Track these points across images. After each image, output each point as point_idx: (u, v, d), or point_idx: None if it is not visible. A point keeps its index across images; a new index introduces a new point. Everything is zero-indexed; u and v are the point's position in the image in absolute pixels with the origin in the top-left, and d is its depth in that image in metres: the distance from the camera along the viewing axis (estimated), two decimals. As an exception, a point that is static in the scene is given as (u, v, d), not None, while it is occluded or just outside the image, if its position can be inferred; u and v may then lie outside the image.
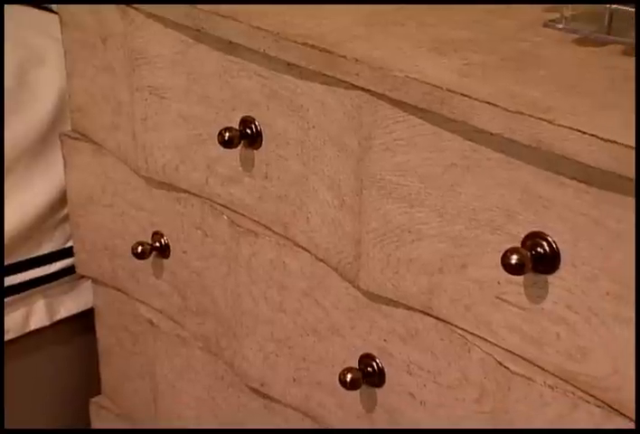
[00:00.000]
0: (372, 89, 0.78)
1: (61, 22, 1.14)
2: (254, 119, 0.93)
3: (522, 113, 0.68)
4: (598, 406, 0.71)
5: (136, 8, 1.00)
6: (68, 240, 1.32)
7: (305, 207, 0.91)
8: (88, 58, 1.11)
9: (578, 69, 0.76)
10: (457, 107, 0.72)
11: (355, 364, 0.91)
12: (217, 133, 0.92)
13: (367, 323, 0.90)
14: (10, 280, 1.28)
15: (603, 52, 0.79)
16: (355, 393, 0.93)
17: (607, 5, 0.80)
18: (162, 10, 0.97)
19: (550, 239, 0.71)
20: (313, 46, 0.81)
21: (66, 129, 1.22)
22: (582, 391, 0.72)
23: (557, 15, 0.83)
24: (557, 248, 0.71)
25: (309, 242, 0.92)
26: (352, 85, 0.80)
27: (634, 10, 0.79)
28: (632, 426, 0.69)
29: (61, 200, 1.29)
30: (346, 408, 0.95)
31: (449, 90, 0.72)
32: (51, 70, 1.29)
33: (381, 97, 0.78)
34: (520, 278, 0.74)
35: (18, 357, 1.34)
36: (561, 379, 0.74)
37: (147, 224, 1.14)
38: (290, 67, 0.86)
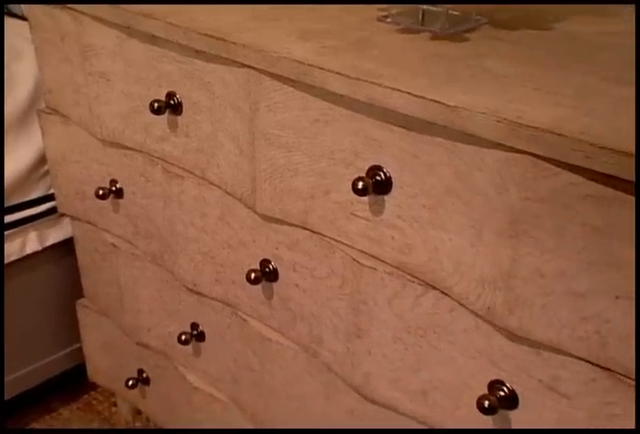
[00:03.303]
0: (256, 66, 0.74)
1: (30, 25, 1.06)
2: (176, 93, 0.88)
3: (360, 79, 0.65)
4: (420, 284, 0.71)
5: (82, 12, 0.93)
6: (50, 188, 1.26)
7: (215, 156, 0.88)
8: (52, 52, 1.04)
9: (400, 49, 0.74)
10: (317, 77, 0.69)
11: (257, 266, 0.89)
12: (149, 104, 0.87)
13: (264, 237, 0.88)
14: (9, 218, 1.22)
15: (417, 38, 0.76)
16: (258, 287, 0.91)
17: (420, 5, 0.78)
18: (93, 10, 0.90)
19: (384, 169, 0.69)
20: (212, 36, 0.77)
21: (42, 107, 1.15)
22: (409, 274, 0.72)
23: (386, 13, 0.81)
24: (389, 176, 0.69)
25: (220, 181, 0.89)
26: (242, 64, 0.76)
27: (436, 9, 0.77)
28: (442, 298, 0.69)
29: (42, 159, 1.22)
30: (253, 298, 0.93)
31: (310, 65, 0.69)
32: (28, 63, 1.20)
33: (263, 72, 0.75)
34: (365, 199, 0.72)
35: (20, 275, 1.28)
36: (395, 267, 0.73)
37: (105, 174, 1.08)
38: (198, 53, 0.82)
